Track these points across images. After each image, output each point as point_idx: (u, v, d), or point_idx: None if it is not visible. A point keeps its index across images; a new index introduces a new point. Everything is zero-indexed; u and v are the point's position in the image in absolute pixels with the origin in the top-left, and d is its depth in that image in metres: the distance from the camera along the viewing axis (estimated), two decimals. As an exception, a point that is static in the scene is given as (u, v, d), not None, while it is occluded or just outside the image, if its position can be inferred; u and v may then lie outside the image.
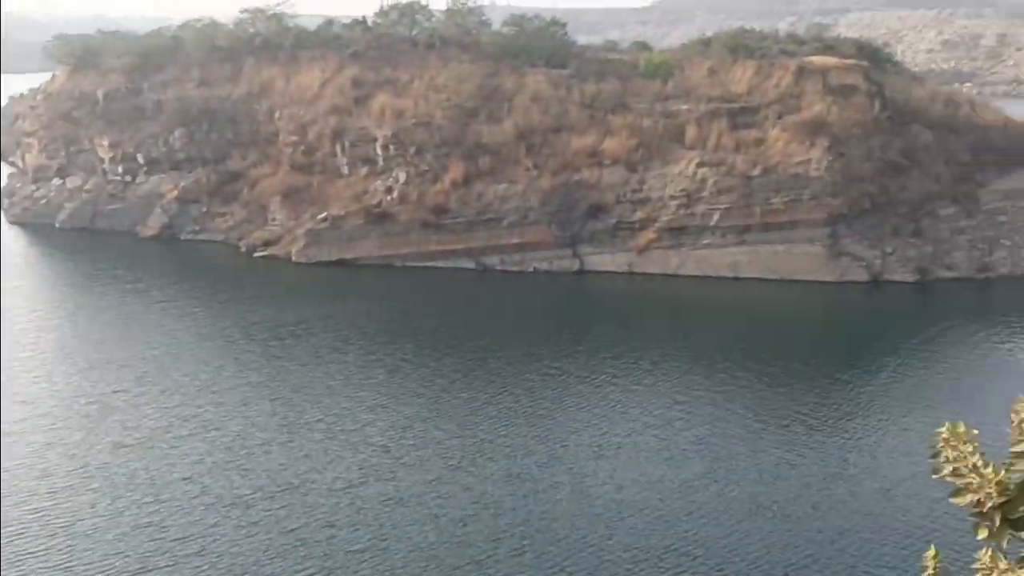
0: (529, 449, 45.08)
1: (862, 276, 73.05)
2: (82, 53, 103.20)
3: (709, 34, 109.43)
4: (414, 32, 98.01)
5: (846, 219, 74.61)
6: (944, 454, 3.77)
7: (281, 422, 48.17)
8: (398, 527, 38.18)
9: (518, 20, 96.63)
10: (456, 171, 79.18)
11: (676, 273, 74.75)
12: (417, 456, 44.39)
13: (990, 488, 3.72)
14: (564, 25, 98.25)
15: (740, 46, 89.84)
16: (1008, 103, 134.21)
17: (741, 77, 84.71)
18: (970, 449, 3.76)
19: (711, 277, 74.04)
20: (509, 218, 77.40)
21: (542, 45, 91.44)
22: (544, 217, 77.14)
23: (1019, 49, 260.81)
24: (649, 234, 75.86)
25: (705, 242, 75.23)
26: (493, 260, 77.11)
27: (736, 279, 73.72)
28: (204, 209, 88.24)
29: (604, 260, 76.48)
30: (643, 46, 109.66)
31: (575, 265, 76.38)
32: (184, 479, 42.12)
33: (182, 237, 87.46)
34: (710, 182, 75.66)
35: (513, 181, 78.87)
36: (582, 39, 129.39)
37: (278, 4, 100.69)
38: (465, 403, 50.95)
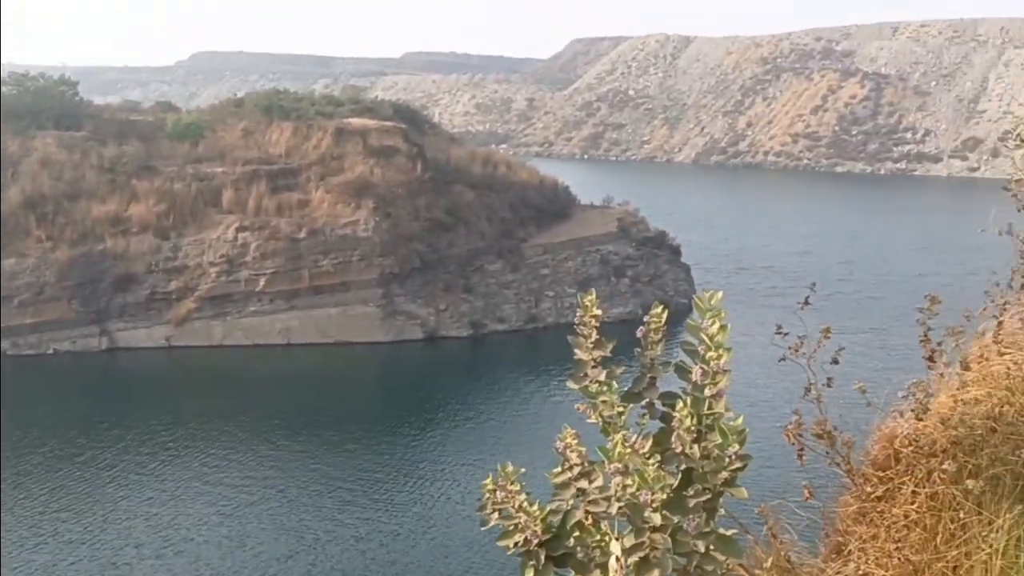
0: (72, 560, 41.41)
1: (418, 334, 76.71)
2: None
3: (241, 94, 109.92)
4: None
5: (398, 278, 77.96)
6: (492, 498, 4.01)
7: None
8: None
9: (19, 79, 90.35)
10: (-49, 246, 71.93)
11: (222, 344, 73.56)
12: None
13: (535, 526, 3.96)
14: (76, 84, 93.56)
15: (275, 107, 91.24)
16: (541, 163, 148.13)
17: (278, 139, 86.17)
18: (517, 488, 4.02)
19: (261, 346, 73.81)
20: (20, 296, 71.65)
21: (50, 105, 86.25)
22: (63, 292, 72.36)
23: (547, 113, 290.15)
24: (188, 304, 73.96)
25: (252, 309, 74.88)
26: (3, 344, 70.77)
27: (289, 346, 74.14)
28: None
29: (138, 335, 73.18)
30: (169, 106, 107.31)
31: (103, 343, 72.32)
32: None
33: None
34: (253, 247, 75.64)
35: (23, 254, 73.22)
36: (98, 99, 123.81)
37: None
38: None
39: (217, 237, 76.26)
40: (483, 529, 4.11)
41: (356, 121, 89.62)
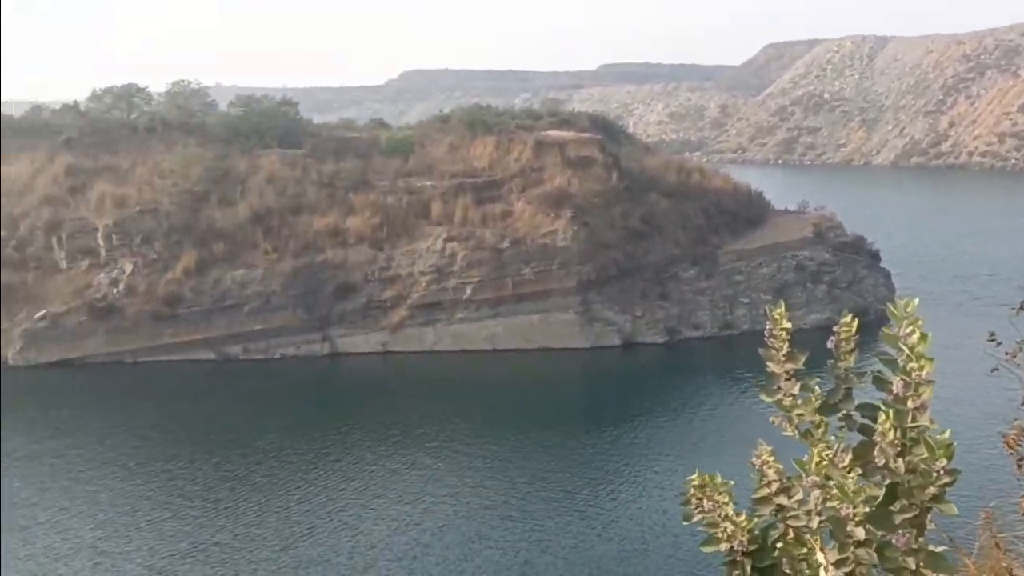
0: (294, 551, 43.49)
1: (615, 340, 76.58)
2: None
3: (447, 111, 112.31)
4: (133, 116, 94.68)
5: (596, 286, 78.06)
6: (697, 503, 3.93)
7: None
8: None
9: (246, 100, 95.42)
10: (188, 258, 76.68)
11: (433, 349, 75.41)
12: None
13: (742, 536, 3.85)
14: (296, 104, 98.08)
15: (478, 122, 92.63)
16: (735, 169, 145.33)
17: (482, 152, 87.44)
18: (725, 499, 3.92)
19: (469, 351, 75.23)
20: (250, 304, 75.52)
21: (274, 125, 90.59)
22: (288, 301, 75.86)
23: (740, 119, 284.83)
24: (401, 312, 76.25)
25: (460, 316, 76.48)
26: (235, 349, 74.72)
27: (494, 351, 75.31)
28: None
29: (357, 341, 75.91)
30: (381, 123, 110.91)
31: (325, 348, 75.39)
32: None
33: None
34: (460, 256, 77.27)
35: (252, 266, 77.29)
36: (317, 118, 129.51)
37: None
38: (219, 506, 48.63)
39: (427, 248, 78.17)
40: (684, 524, 4.05)
41: (554, 133, 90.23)
